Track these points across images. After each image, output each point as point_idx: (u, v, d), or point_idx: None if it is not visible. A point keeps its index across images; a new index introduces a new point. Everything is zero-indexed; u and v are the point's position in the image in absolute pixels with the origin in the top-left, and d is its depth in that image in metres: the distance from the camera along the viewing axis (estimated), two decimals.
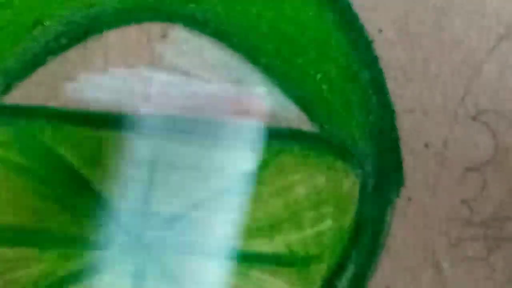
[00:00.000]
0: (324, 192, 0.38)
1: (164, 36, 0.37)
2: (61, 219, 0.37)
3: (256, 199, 0.38)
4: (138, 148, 0.37)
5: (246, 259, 0.38)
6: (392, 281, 0.39)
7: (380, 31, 0.37)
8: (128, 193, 0.37)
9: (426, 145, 0.38)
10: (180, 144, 0.37)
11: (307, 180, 0.38)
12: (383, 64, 0.38)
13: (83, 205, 0.37)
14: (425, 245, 0.39)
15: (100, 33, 0.36)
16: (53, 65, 0.36)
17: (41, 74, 0.36)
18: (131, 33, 0.36)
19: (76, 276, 0.38)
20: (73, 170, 0.37)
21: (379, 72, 0.38)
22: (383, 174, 0.38)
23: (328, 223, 0.38)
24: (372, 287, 0.39)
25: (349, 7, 0.37)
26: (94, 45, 0.36)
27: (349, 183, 0.38)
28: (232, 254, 0.38)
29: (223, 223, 0.38)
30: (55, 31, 0.36)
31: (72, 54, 0.36)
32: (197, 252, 0.38)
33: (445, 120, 0.38)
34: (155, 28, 0.36)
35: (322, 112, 0.38)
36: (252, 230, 0.38)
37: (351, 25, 0.37)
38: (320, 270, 0.39)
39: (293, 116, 0.38)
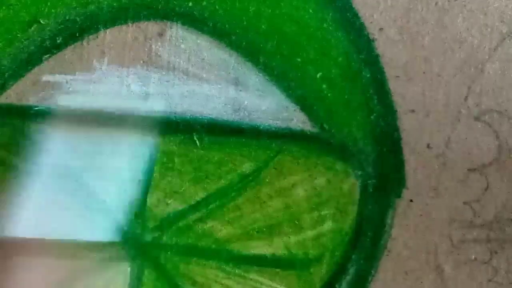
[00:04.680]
0: (324, 193, 0.38)
1: (161, 34, 0.36)
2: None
3: (255, 200, 0.38)
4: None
5: (245, 261, 0.38)
6: (394, 284, 0.39)
7: (381, 29, 0.37)
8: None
9: (428, 146, 0.38)
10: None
11: (307, 181, 0.38)
12: (384, 63, 0.37)
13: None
14: (427, 247, 0.38)
15: (97, 32, 0.36)
16: (49, 64, 0.36)
17: (37, 74, 0.36)
18: (128, 31, 0.36)
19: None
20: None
21: (380, 71, 0.37)
22: (384, 175, 0.38)
23: (328, 224, 0.38)
24: None
25: (349, 5, 0.37)
26: (91, 44, 0.36)
27: (350, 184, 0.38)
28: (231, 256, 0.38)
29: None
30: (51, 29, 0.36)
31: (69, 53, 0.36)
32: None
33: (448, 120, 0.38)
34: (152, 26, 0.36)
35: (322, 112, 0.37)
36: (250, 232, 0.38)
37: (351, 23, 0.37)
38: (320, 273, 0.38)
39: (293, 116, 0.37)
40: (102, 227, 0.37)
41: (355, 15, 0.37)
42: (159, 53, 0.36)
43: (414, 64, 0.37)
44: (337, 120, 0.37)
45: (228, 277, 0.38)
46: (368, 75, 0.37)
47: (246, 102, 0.37)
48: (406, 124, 0.38)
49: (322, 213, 0.38)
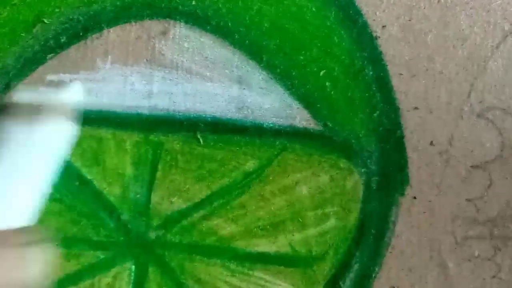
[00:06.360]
0: (328, 191, 0.38)
1: (164, 33, 0.36)
2: (62, 219, 0.37)
3: (259, 198, 0.37)
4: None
5: (249, 259, 0.38)
6: (398, 281, 0.38)
7: (384, 27, 0.37)
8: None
9: (431, 143, 0.38)
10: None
11: (311, 178, 0.38)
12: (387, 60, 0.37)
13: (85, 205, 0.37)
14: (430, 244, 0.38)
15: (100, 31, 0.36)
16: (53, 64, 0.36)
17: (41, 73, 0.36)
18: (131, 30, 0.36)
19: (77, 275, 0.38)
20: (74, 169, 0.37)
21: (383, 69, 0.37)
22: (388, 172, 0.38)
23: (331, 222, 0.38)
24: (377, 287, 0.39)
25: (352, 3, 0.37)
26: (94, 43, 0.36)
27: (353, 182, 0.38)
28: (235, 254, 0.38)
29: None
30: (55, 29, 0.36)
31: (72, 52, 0.36)
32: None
33: (450, 118, 0.38)
34: (155, 25, 0.36)
35: (325, 110, 0.37)
36: (254, 230, 0.38)
37: (354, 21, 0.37)
38: (323, 270, 0.38)
39: (296, 114, 0.37)
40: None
41: (358, 13, 0.37)
42: (162, 52, 0.36)
43: (417, 61, 0.37)
44: (340, 117, 0.37)
45: (232, 274, 0.38)
46: (371, 73, 0.37)
47: (249, 100, 0.37)
48: (409, 121, 0.38)
49: (326, 210, 0.38)
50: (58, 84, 0.36)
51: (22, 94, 0.35)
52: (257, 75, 0.37)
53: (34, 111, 0.34)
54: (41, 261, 0.30)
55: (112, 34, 0.36)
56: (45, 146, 0.33)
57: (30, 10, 0.36)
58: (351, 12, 0.37)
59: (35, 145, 0.33)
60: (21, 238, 0.30)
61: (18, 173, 0.32)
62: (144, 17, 0.36)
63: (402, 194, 0.38)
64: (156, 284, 0.38)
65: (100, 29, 0.36)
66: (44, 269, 0.30)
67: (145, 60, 0.36)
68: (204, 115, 0.37)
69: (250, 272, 0.38)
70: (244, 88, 0.37)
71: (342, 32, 0.37)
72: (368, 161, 0.38)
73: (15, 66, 0.36)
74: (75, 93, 0.35)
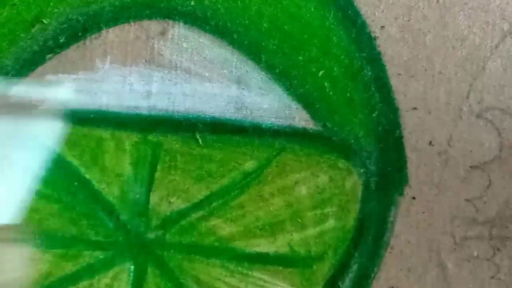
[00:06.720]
0: (327, 191, 0.38)
1: (163, 33, 0.36)
2: (61, 219, 0.37)
3: (258, 198, 0.38)
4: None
5: (248, 259, 0.38)
6: (397, 281, 0.38)
7: (383, 27, 0.37)
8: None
9: (430, 143, 0.38)
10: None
11: (309, 179, 0.38)
12: (386, 61, 0.37)
13: (83, 205, 0.37)
14: (429, 244, 0.38)
15: (99, 31, 0.36)
16: (52, 64, 0.36)
17: (40, 73, 0.36)
18: (130, 30, 0.36)
19: (76, 276, 0.38)
20: (72, 169, 0.37)
21: (382, 69, 0.37)
22: (386, 172, 0.38)
23: (330, 222, 0.38)
24: None
25: (351, 3, 0.37)
26: (93, 43, 0.36)
27: (352, 182, 0.38)
28: (234, 254, 0.38)
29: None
30: (54, 29, 0.36)
31: (71, 52, 0.36)
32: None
33: (449, 118, 0.38)
34: (154, 25, 0.36)
35: (324, 110, 0.37)
36: (253, 230, 0.38)
37: (353, 21, 0.37)
38: (322, 270, 0.38)
39: (295, 114, 0.37)
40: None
41: (357, 13, 0.37)
42: (161, 52, 0.36)
43: (416, 61, 0.37)
44: (339, 118, 0.37)
45: (231, 275, 0.38)
46: (370, 73, 0.37)
47: (248, 101, 0.37)
48: (408, 121, 0.38)
49: (325, 211, 0.38)
50: (46, 82, 0.36)
51: (9, 90, 0.35)
52: (256, 75, 0.37)
53: (20, 107, 0.34)
54: (18, 260, 0.30)
55: (111, 34, 0.36)
56: (31, 142, 0.33)
57: (29, 10, 0.36)
58: (350, 12, 0.37)
59: (21, 142, 0.33)
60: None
61: (3, 170, 0.32)
62: (143, 17, 0.36)
63: (401, 194, 0.38)
64: (155, 285, 0.38)
65: (99, 29, 0.36)
66: (21, 268, 0.30)
67: (144, 60, 0.36)
68: (203, 115, 0.37)
69: (249, 273, 0.38)
70: (243, 88, 0.37)
71: (341, 32, 0.37)
72: (367, 161, 0.38)
73: (14, 66, 0.36)
74: (64, 91, 0.35)
